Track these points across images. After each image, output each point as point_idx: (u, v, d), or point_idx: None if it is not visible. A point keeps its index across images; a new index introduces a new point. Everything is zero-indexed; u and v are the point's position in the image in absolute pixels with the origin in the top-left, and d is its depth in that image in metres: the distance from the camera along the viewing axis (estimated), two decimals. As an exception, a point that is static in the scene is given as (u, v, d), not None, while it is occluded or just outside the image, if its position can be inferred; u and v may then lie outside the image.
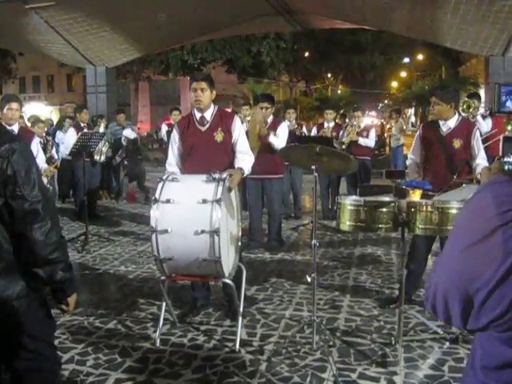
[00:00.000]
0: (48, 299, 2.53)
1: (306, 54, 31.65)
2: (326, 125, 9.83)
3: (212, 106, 4.82)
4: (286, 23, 12.08)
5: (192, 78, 5.06)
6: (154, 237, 3.97)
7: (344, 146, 9.13)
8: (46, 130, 10.17)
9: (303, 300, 5.29)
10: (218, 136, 4.70)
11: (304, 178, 9.62)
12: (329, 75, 39.12)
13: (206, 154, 4.62)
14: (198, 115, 4.79)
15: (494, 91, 6.86)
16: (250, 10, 10.67)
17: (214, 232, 3.84)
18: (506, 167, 1.93)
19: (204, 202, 3.89)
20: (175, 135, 4.88)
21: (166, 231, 3.92)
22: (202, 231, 3.86)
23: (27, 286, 2.31)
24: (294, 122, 9.69)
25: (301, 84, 42.31)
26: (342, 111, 21.25)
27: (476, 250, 0.88)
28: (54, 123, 16.41)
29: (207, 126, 4.75)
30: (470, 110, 8.12)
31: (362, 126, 9.63)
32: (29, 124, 11.02)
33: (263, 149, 6.93)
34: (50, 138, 9.86)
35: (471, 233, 0.90)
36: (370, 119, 20.94)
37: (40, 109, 42.73)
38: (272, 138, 7.02)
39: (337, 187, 9.60)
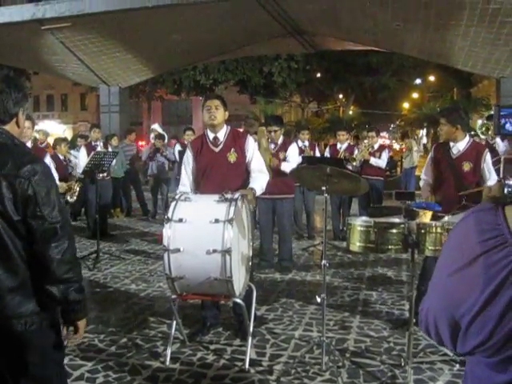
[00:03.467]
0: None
1: (318, 75, 31.81)
2: (338, 146, 9.86)
3: (225, 126, 4.87)
4: (298, 44, 12.19)
5: (205, 97, 5.14)
6: (166, 255, 4.01)
7: (356, 164, 9.16)
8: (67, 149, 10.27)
9: (313, 320, 5.29)
10: (232, 156, 4.74)
11: (316, 199, 9.64)
12: (340, 96, 39.26)
13: (220, 175, 4.66)
14: (211, 136, 4.84)
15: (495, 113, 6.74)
16: (261, 31, 10.80)
17: (226, 252, 3.87)
18: (506, 190, 1.94)
19: (216, 221, 3.93)
20: (189, 156, 4.92)
21: (178, 250, 3.96)
22: (214, 251, 3.89)
23: (40, 304, 2.34)
24: (307, 143, 9.74)
25: (312, 105, 42.45)
26: (353, 132, 21.29)
27: (460, 276, 0.90)
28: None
29: (220, 146, 4.79)
30: (489, 132, 8.12)
31: (376, 146, 9.66)
32: (42, 140, 11.18)
33: (274, 169, 6.95)
34: (70, 157, 10.00)
35: (456, 259, 0.93)
36: (382, 140, 20.98)
37: (53, 127, 43.19)
38: (284, 166, 7.05)
39: (348, 208, 9.61)
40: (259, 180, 4.72)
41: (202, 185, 4.77)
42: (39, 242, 2.26)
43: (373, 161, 9.33)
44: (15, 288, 2.27)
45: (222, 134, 4.82)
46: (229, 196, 4.10)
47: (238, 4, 9.04)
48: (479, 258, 0.88)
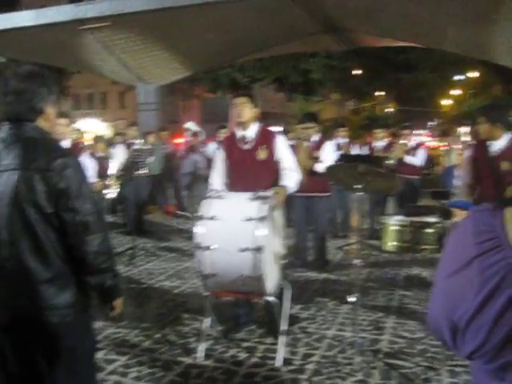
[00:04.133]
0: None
1: (356, 72, 31.54)
2: (374, 144, 9.75)
3: (256, 123, 4.85)
4: (335, 41, 12.05)
5: (234, 94, 5.14)
6: (198, 253, 4.04)
7: (391, 162, 9.02)
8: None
9: (346, 320, 5.24)
10: (261, 154, 4.72)
11: (353, 197, 9.56)
12: (378, 93, 38.84)
13: (249, 173, 4.65)
14: (240, 133, 4.84)
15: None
16: (297, 28, 10.71)
17: (258, 250, 3.88)
18: None
19: (248, 219, 3.94)
20: (219, 154, 4.95)
21: (210, 247, 3.98)
22: (246, 248, 3.90)
23: (76, 295, 2.39)
24: (345, 140, 9.65)
25: (350, 102, 42.13)
26: (391, 130, 21.05)
27: (457, 279, 0.89)
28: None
29: (250, 144, 4.79)
30: None
31: (411, 144, 9.51)
32: (80, 139, 11.35)
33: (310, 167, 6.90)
34: (107, 155, 10.14)
35: (453, 260, 0.91)
36: (419, 138, 20.64)
37: (95, 125, 43.91)
38: (318, 167, 6.96)
39: (384, 206, 9.49)
40: (291, 178, 4.70)
41: (232, 183, 4.77)
42: (73, 235, 2.31)
43: (408, 159, 9.17)
44: (50, 280, 2.31)
45: (252, 131, 4.81)
46: (261, 194, 4.10)
47: (274, 1, 9.00)
48: (474, 261, 0.86)
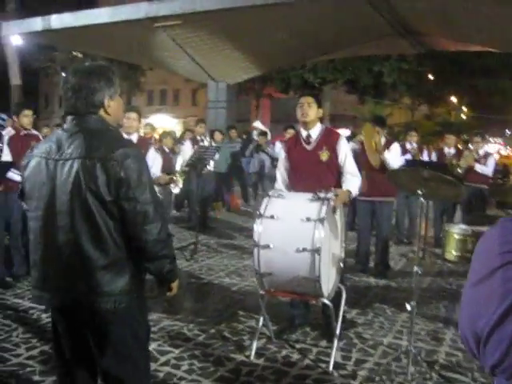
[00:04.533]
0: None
1: (430, 77, 30.82)
2: (446, 150, 9.48)
3: (319, 124, 4.82)
4: (408, 45, 11.84)
5: (300, 94, 5.12)
6: (255, 251, 4.04)
7: (460, 170, 8.74)
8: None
9: (404, 329, 5.12)
10: (323, 155, 4.68)
11: (419, 204, 9.32)
12: (453, 99, 37.84)
13: (311, 173, 4.62)
14: (304, 133, 4.81)
15: None
16: (370, 30, 10.59)
17: (316, 251, 3.84)
18: None
19: (307, 220, 3.90)
20: (283, 154, 4.95)
21: (267, 246, 3.97)
22: (304, 249, 3.87)
23: (130, 283, 2.44)
24: (415, 145, 9.45)
25: (423, 107, 41.22)
26: (464, 137, 20.47)
27: (480, 289, 0.85)
28: (177, 135, 17.25)
29: (313, 144, 4.75)
30: None
31: (481, 152, 9.19)
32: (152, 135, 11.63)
33: (375, 171, 6.74)
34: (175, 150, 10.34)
35: (479, 269, 0.87)
36: (494, 146, 19.96)
37: (167, 121, 44.82)
38: (386, 155, 6.81)
39: (451, 214, 9.21)
40: (352, 183, 4.64)
41: (294, 183, 4.75)
42: (132, 223, 2.37)
43: (478, 167, 8.85)
44: (106, 266, 2.38)
45: (316, 132, 4.78)
46: (322, 195, 4.06)
47: (347, 2, 8.92)
48: (498, 271, 0.82)
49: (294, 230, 3.97)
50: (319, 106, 4.77)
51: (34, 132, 6.61)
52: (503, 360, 0.81)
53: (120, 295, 2.40)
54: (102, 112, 2.48)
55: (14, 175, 5.89)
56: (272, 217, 4.02)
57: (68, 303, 2.46)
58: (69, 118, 2.49)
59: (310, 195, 4.10)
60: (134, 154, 2.40)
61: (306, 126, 4.76)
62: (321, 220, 3.89)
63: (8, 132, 6.42)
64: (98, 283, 2.37)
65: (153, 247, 2.40)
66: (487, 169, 8.95)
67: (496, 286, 0.82)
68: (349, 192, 4.49)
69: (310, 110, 4.69)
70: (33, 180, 2.46)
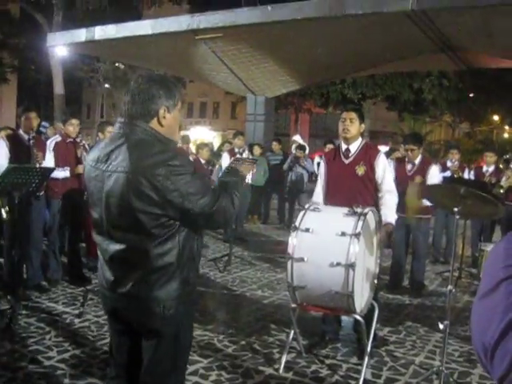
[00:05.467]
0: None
1: (471, 94, 30.38)
2: (485, 169, 9.30)
3: (360, 139, 4.78)
4: (449, 61, 11.69)
5: (343, 108, 5.08)
6: (289, 263, 4.04)
7: (502, 191, 8.54)
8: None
9: (437, 349, 5.01)
10: (360, 169, 4.65)
11: (460, 224, 9.17)
12: (495, 117, 37.20)
13: (347, 187, 4.61)
14: (343, 147, 4.79)
15: None
16: (411, 46, 10.51)
17: (350, 266, 3.81)
18: None
19: (343, 234, 3.88)
20: (322, 166, 4.95)
21: (302, 259, 3.96)
22: (338, 264, 3.84)
23: (180, 290, 2.43)
24: (456, 163, 9.30)
25: (464, 125, 40.65)
26: (506, 156, 20.04)
27: (486, 302, 0.85)
28: (215, 147, 17.38)
29: (351, 158, 4.73)
30: None
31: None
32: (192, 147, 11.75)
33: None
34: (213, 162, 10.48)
35: (484, 284, 0.87)
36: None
37: (204, 133, 45.21)
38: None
39: (490, 234, 9.01)
40: (390, 206, 4.62)
41: (330, 196, 4.74)
42: (202, 226, 2.56)
43: (520, 188, 8.63)
44: (156, 271, 2.38)
45: (355, 146, 4.75)
46: (358, 210, 4.03)
47: (387, 18, 8.87)
48: (501, 285, 0.82)
49: (328, 244, 3.95)
50: (362, 121, 4.74)
51: (79, 140, 6.77)
52: (508, 373, 0.80)
53: (169, 301, 2.41)
54: (155, 121, 2.42)
55: (58, 173, 6.17)
56: (307, 230, 4.01)
57: (119, 306, 2.51)
58: (116, 125, 2.47)
59: (346, 209, 4.07)
60: (181, 164, 2.33)
61: (347, 140, 4.74)
62: (356, 235, 3.86)
63: (55, 138, 6.59)
64: (148, 287, 2.39)
65: (227, 223, 2.50)
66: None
67: (499, 299, 0.82)
68: (392, 226, 4.47)
69: (351, 126, 4.66)
70: (89, 186, 2.50)
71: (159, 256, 2.36)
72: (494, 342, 0.81)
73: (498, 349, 0.80)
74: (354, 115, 4.68)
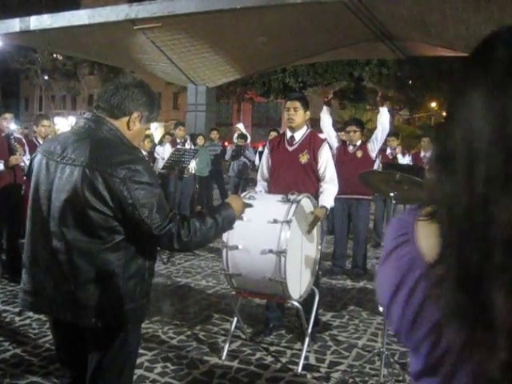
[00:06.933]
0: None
1: (410, 82, 31.10)
2: (422, 154, 9.54)
3: (305, 127, 4.82)
4: (388, 49, 11.91)
5: (287, 97, 5.11)
6: (224, 251, 4.05)
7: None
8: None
9: (379, 331, 5.11)
10: (303, 157, 4.69)
11: (399, 208, 9.37)
12: (433, 104, 38.20)
13: (289, 174, 4.64)
14: (288, 135, 4.83)
15: None
16: (350, 35, 10.64)
17: (281, 253, 3.84)
18: None
19: (274, 221, 3.90)
20: (265, 153, 4.97)
21: (235, 247, 3.97)
22: (270, 251, 3.87)
23: (120, 308, 2.29)
24: (396, 149, 9.49)
25: (403, 112, 41.57)
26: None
27: (382, 269, 0.95)
28: (156, 139, 17.20)
29: (295, 146, 4.77)
30: None
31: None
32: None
33: (351, 167, 6.61)
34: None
35: (384, 252, 0.96)
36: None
37: (147, 124, 44.57)
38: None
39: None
40: (329, 193, 4.65)
41: (273, 183, 4.77)
42: (155, 244, 2.36)
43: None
44: (97, 279, 2.25)
45: (300, 134, 4.79)
46: (292, 197, 4.06)
47: (326, 7, 8.95)
48: (393, 252, 0.92)
49: (260, 232, 3.96)
50: (306, 108, 4.75)
51: (16, 135, 6.73)
52: (398, 332, 0.93)
53: (109, 313, 2.27)
54: (124, 121, 2.35)
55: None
56: (241, 218, 4.01)
57: (57, 315, 2.34)
58: (82, 120, 2.37)
59: (280, 197, 4.09)
60: (140, 170, 2.20)
61: (292, 129, 4.78)
62: (287, 222, 3.88)
63: None
64: (88, 296, 2.24)
65: (184, 249, 2.38)
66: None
67: (390, 265, 0.91)
68: (325, 209, 4.50)
69: (295, 115, 4.69)
70: (37, 176, 2.34)
71: (103, 262, 2.22)
72: (388, 303, 0.91)
73: (391, 309, 0.90)
74: (297, 104, 4.70)
